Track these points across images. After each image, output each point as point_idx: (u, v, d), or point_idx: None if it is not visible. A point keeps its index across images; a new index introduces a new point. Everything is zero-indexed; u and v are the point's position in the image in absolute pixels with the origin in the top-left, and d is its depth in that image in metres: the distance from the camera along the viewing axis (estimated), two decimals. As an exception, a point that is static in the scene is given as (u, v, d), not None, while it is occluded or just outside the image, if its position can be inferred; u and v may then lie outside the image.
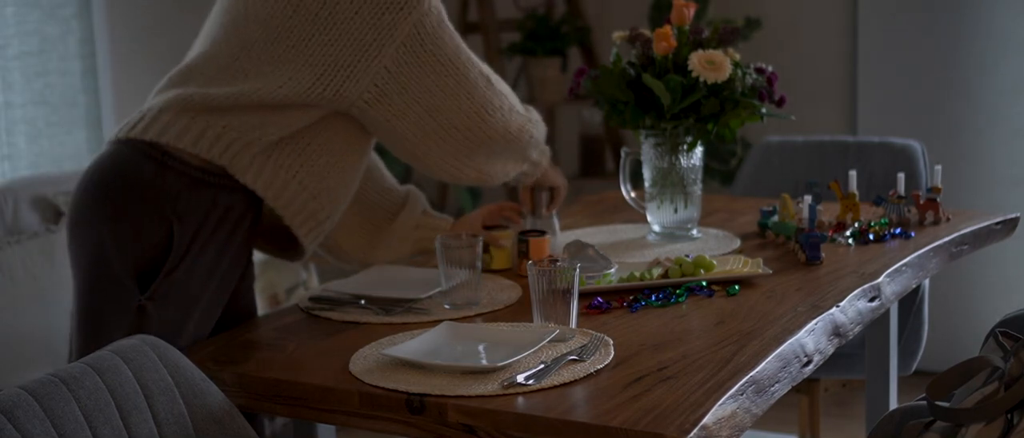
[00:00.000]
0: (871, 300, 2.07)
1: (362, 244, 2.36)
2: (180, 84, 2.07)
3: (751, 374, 1.63)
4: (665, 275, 2.11)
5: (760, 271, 2.11)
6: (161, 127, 2.01)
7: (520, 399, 1.58)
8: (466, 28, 4.50)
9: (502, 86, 2.21)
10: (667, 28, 2.36)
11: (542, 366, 1.66)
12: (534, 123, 2.27)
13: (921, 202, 2.55)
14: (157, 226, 1.99)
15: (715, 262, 2.14)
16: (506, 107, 2.18)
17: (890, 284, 2.15)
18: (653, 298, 2.02)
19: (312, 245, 2.18)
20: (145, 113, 2.06)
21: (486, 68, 2.18)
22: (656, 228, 2.50)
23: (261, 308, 3.31)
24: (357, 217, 2.35)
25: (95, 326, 2.02)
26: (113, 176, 2.02)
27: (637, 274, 2.11)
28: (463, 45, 2.13)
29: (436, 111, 2.09)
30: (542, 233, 2.27)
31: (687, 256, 2.16)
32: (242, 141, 2.02)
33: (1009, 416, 1.63)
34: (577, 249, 2.25)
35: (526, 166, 2.31)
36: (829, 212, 2.57)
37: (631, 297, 2.04)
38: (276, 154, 2.06)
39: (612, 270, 2.15)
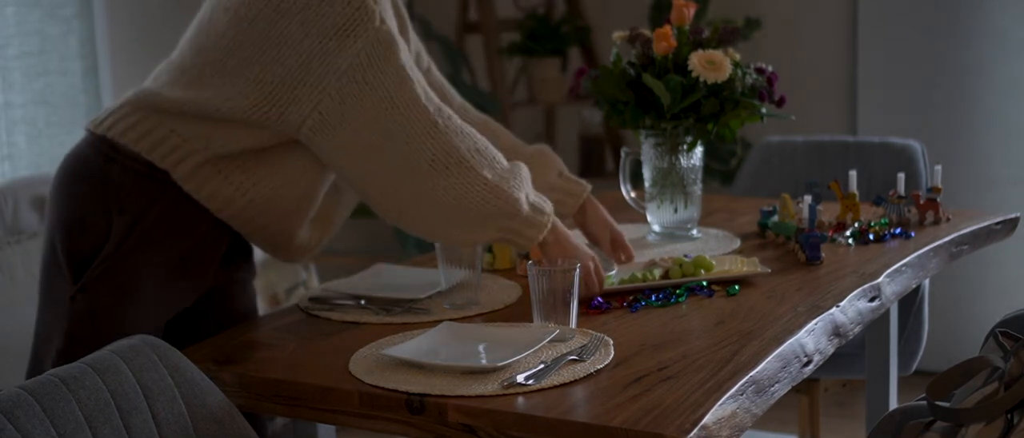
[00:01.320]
0: (871, 300, 2.07)
1: None
2: (151, 80, 2.06)
3: (751, 374, 1.63)
4: (665, 275, 2.11)
5: (759, 270, 2.11)
6: (112, 122, 2.02)
7: (520, 399, 1.58)
8: (466, 28, 4.50)
9: (462, 139, 1.96)
10: (667, 28, 2.36)
11: (542, 366, 1.66)
12: (511, 189, 1.96)
13: (921, 202, 2.55)
14: (99, 218, 1.99)
15: (714, 262, 2.14)
16: (455, 161, 1.93)
17: (890, 284, 2.15)
18: (653, 298, 2.02)
19: (275, 255, 2.16)
20: (108, 108, 2.08)
21: (447, 112, 1.97)
22: (656, 228, 2.50)
23: (261, 308, 3.31)
24: None
25: (43, 318, 2.05)
26: (65, 169, 2.06)
27: (638, 275, 2.10)
28: (415, 86, 1.95)
29: (377, 152, 1.94)
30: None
31: (686, 256, 2.16)
32: (186, 148, 1.99)
33: (1009, 416, 1.63)
34: (577, 250, 2.24)
35: (507, 235, 2.00)
36: (829, 212, 2.57)
37: (631, 297, 2.04)
38: (227, 169, 2.01)
39: (612, 272, 2.14)
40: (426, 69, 2.29)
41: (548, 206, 2.02)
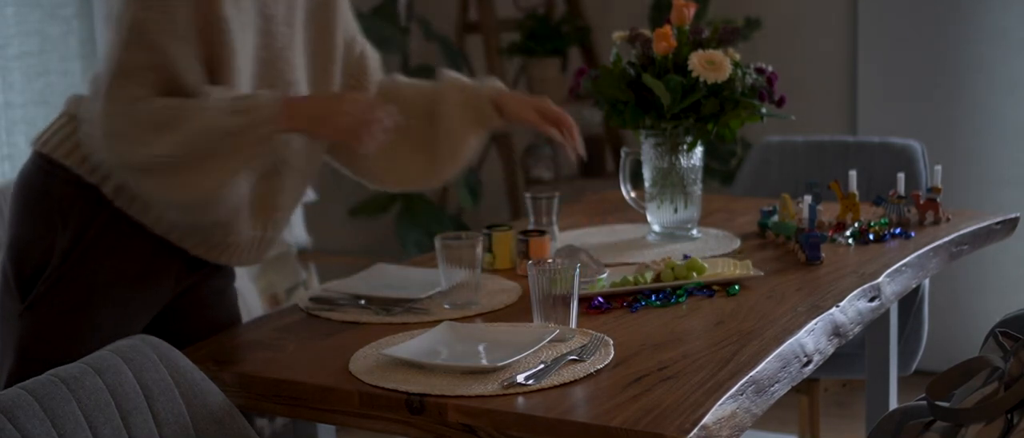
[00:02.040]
0: (871, 300, 2.07)
1: (424, 166, 2.19)
2: (86, 86, 1.98)
3: (751, 374, 1.63)
4: (657, 278, 2.10)
5: (751, 273, 2.10)
6: (48, 136, 1.97)
7: (520, 399, 1.58)
8: (466, 28, 4.50)
9: (146, 118, 1.81)
10: (667, 28, 2.36)
11: (542, 366, 1.66)
12: (207, 118, 1.81)
13: (921, 202, 2.55)
14: (44, 234, 1.94)
15: (706, 265, 2.13)
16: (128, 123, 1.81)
17: (890, 284, 2.15)
18: (653, 298, 2.02)
19: (230, 262, 2.09)
20: (51, 122, 2.02)
21: (141, 109, 1.82)
22: (656, 228, 2.50)
23: (261, 308, 3.31)
24: (404, 145, 2.16)
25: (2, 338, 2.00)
26: (14, 187, 2.01)
27: (630, 278, 2.09)
28: (116, 86, 1.81)
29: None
30: (542, 233, 2.27)
31: (686, 256, 2.15)
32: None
33: (1009, 416, 1.63)
34: (569, 254, 2.23)
35: (250, 144, 1.85)
36: (829, 212, 2.57)
37: (631, 297, 2.03)
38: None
39: (603, 276, 2.13)
40: (359, 54, 2.20)
41: (259, 97, 1.86)
